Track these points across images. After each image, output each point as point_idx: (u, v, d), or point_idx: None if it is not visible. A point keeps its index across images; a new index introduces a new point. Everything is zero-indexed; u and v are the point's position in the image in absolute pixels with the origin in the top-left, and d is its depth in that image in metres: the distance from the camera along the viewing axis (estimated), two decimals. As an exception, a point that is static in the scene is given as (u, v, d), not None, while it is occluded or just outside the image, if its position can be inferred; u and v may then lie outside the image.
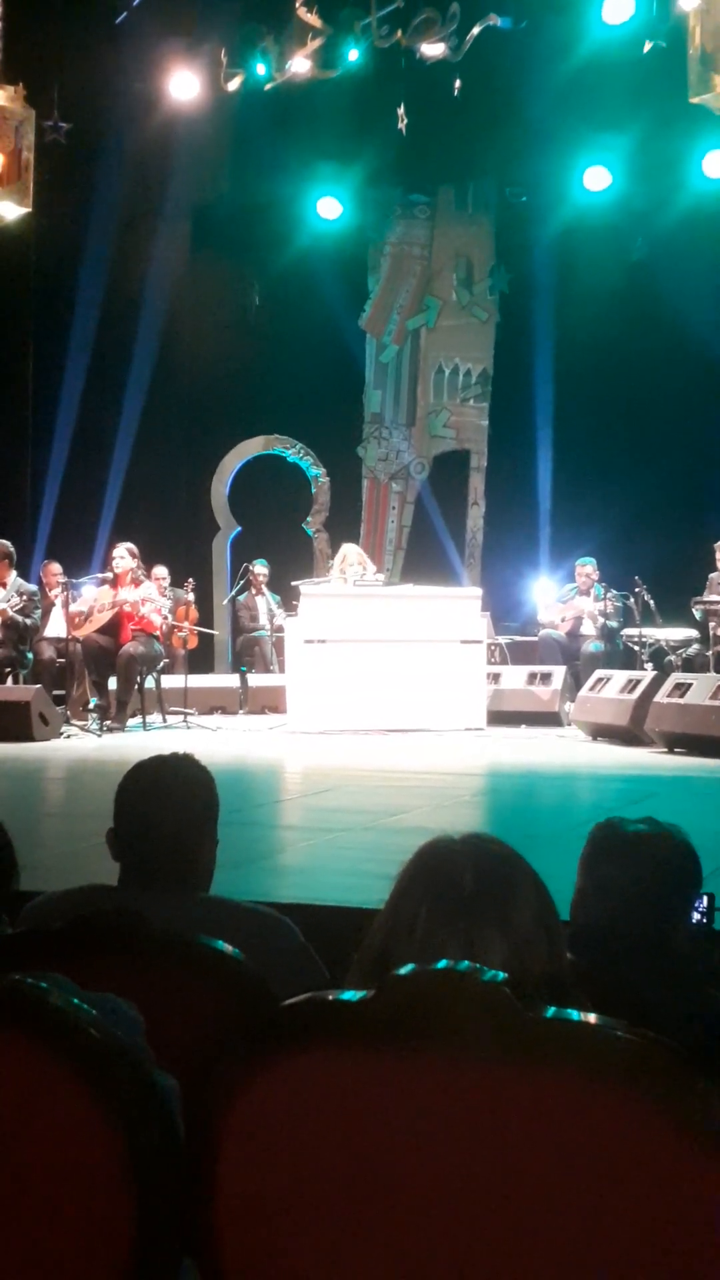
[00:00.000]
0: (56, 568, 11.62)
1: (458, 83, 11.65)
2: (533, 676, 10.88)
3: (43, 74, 11.49)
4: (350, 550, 11.13)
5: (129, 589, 10.21)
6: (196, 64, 12.31)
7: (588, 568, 11.65)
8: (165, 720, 10.46)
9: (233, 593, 12.86)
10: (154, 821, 2.43)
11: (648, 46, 10.49)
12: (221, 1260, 1.36)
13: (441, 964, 1.31)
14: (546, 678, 10.80)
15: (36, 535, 13.39)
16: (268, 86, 12.14)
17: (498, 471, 14.52)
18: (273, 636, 12.32)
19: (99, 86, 12.35)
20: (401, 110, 11.95)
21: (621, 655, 11.22)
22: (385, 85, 12.01)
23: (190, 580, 12.10)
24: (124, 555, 10.36)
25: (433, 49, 11.69)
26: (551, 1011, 1.26)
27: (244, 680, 11.75)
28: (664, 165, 12.75)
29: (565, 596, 11.82)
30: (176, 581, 12.17)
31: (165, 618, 10.80)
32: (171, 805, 2.45)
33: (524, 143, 13.19)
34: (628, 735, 9.09)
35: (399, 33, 11.72)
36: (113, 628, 10.16)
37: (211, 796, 2.55)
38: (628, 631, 11.22)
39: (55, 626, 11.03)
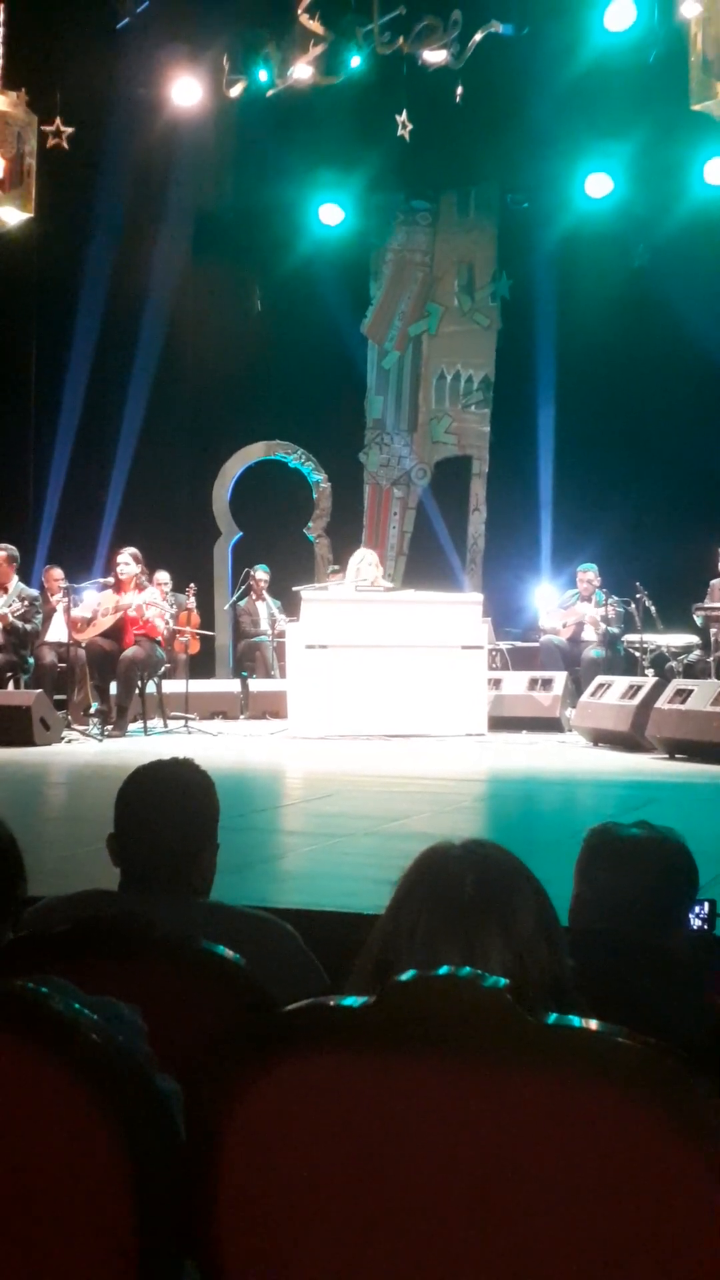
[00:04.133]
0: (58, 573, 11.62)
1: (459, 89, 11.69)
2: (534, 682, 10.87)
3: (45, 80, 11.51)
4: (368, 554, 11.14)
5: (132, 594, 10.23)
6: (199, 70, 12.33)
7: (589, 574, 11.64)
8: (166, 725, 10.47)
9: (234, 598, 12.87)
10: (154, 826, 2.43)
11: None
12: (222, 1264, 1.36)
13: (443, 970, 1.31)
14: (548, 683, 10.79)
15: (38, 540, 13.40)
16: (270, 93, 12.18)
17: (499, 477, 14.53)
18: (274, 641, 12.32)
19: (101, 92, 12.37)
20: (403, 117, 11.99)
21: (623, 661, 11.22)
22: (387, 92, 12.04)
23: (192, 585, 12.10)
24: (128, 561, 10.37)
25: (435, 56, 11.73)
26: (553, 1017, 1.26)
27: (245, 685, 11.76)
28: (665, 172, 12.77)
29: (566, 602, 11.81)
30: (178, 587, 12.17)
31: (168, 622, 10.81)
32: (172, 810, 2.45)
33: (526, 149, 13.22)
34: (629, 741, 9.08)
35: (401, 39, 11.75)
36: (115, 632, 10.17)
37: (212, 801, 2.55)
38: (629, 637, 11.22)
39: (56, 631, 11.03)
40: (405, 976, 1.31)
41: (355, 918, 3.43)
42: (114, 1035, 1.42)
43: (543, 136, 12.75)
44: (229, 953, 1.88)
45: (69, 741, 9.65)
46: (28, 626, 10.33)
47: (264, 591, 12.76)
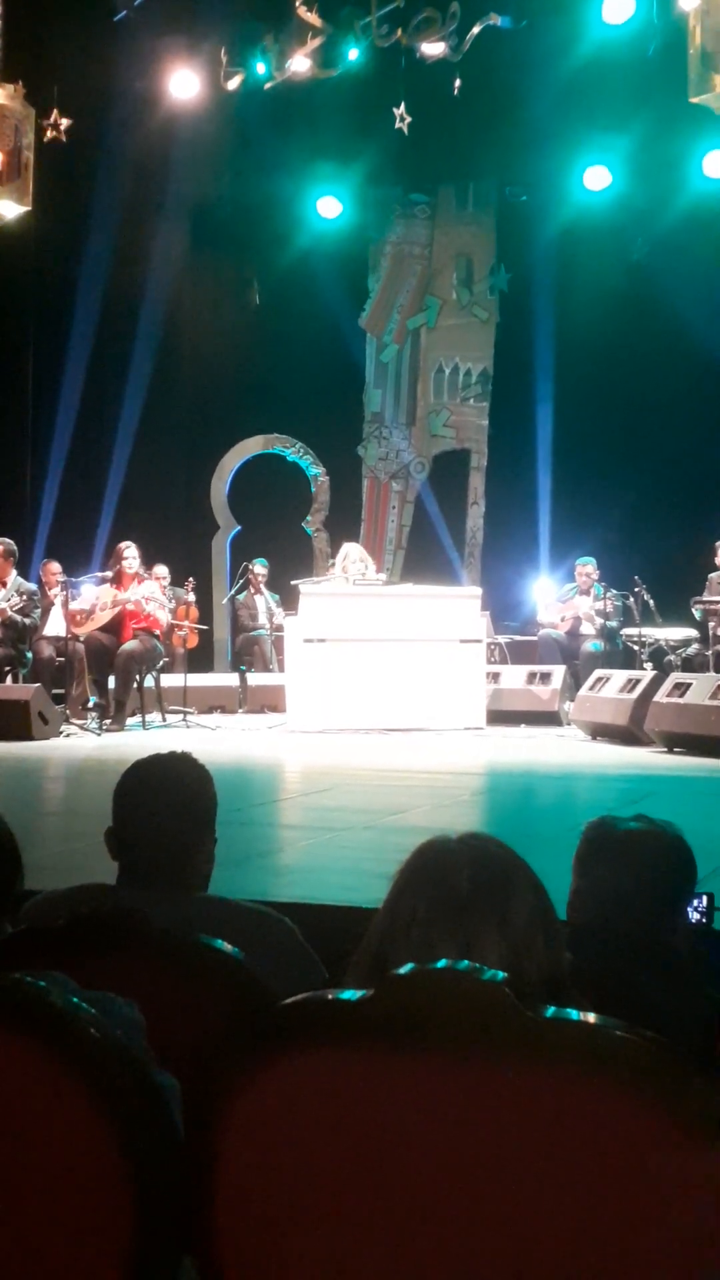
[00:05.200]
0: (56, 567, 11.62)
1: (458, 82, 11.64)
2: (532, 676, 10.88)
3: (42, 73, 11.49)
4: (352, 549, 11.15)
5: (133, 587, 10.24)
6: (196, 63, 12.31)
7: (587, 567, 11.64)
8: (165, 719, 10.47)
9: (232, 592, 12.86)
10: (152, 820, 2.43)
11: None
12: (220, 1259, 1.36)
13: (440, 963, 1.31)
14: (546, 677, 10.80)
15: (36, 534, 13.39)
16: (268, 85, 12.14)
17: (497, 471, 14.52)
18: (272, 635, 12.32)
19: (99, 85, 12.34)
20: (401, 109, 11.96)
21: (621, 655, 11.22)
22: (385, 84, 12.00)
23: (190, 580, 12.10)
24: (135, 555, 10.39)
25: (433, 48, 11.69)
26: (550, 1011, 1.26)
27: (243, 679, 11.76)
28: (664, 165, 12.75)
29: (565, 596, 11.81)
30: (177, 581, 12.17)
31: (168, 616, 10.81)
32: (169, 804, 2.45)
33: (524, 142, 13.19)
34: (627, 735, 9.09)
35: (399, 31, 11.71)
36: (114, 626, 10.17)
37: (209, 795, 2.55)
38: (627, 631, 11.21)
39: (55, 625, 11.03)
40: (403, 970, 1.31)
41: (354, 911, 3.43)
42: (112, 1030, 1.42)
43: (541, 129, 12.73)
44: (227, 947, 1.88)
45: (67, 736, 9.65)
46: (26, 621, 10.33)
47: (262, 585, 12.76)
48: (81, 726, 9.96)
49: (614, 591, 11.35)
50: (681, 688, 8.79)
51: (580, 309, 13.23)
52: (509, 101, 12.36)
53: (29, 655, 10.51)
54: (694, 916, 2.55)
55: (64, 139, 11.97)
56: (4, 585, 10.29)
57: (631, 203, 13.24)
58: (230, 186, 13.98)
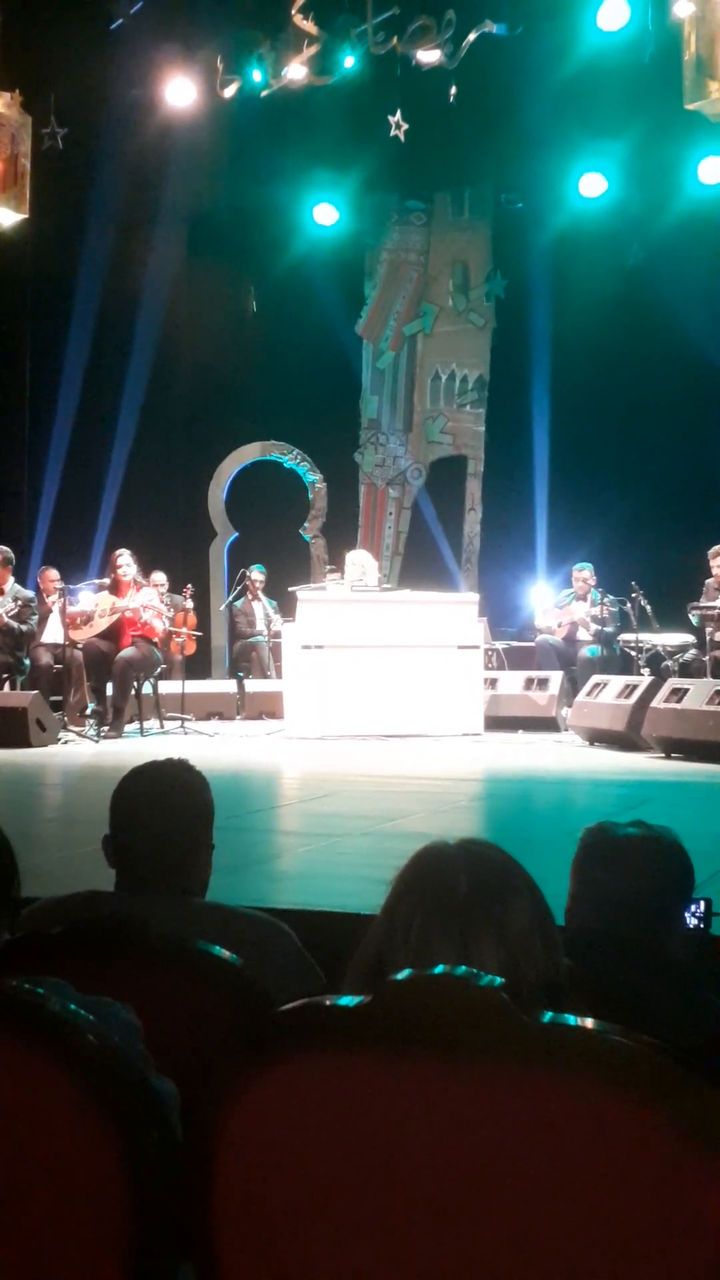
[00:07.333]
0: (54, 574, 11.61)
1: (453, 89, 11.69)
2: (530, 682, 10.88)
3: (39, 81, 11.52)
4: (356, 556, 11.14)
5: (131, 595, 10.23)
6: (193, 70, 12.33)
7: (584, 573, 11.64)
8: (163, 726, 10.46)
9: (230, 598, 12.87)
10: (149, 827, 2.43)
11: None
12: (219, 1264, 1.36)
13: (438, 969, 1.31)
14: (543, 683, 10.80)
15: (34, 541, 13.39)
16: (264, 93, 12.18)
17: (494, 477, 14.53)
18: (270, 642, 12.32)
19: (96, 93, 12.36)
20: (397, 117, 11.99)
21: (618, 660, 11.22)
22: (381, 92, 12.04)
23: (188, 586, 12.11)
24: (130, 562, 10.39)
25: (428, 55, 11.73)
26: (548, 1016, 1.26)
27: (241, 686, 11.76)
28: (660, 171, 12.77)
29: (562, 602, 11.81)
30: (174, 587, 12.17)
31: (165, 623, 10.81)
32: (167, 810, 2.45)
33: (520, 149, 13.21)
34: (625, 740, 9.09)
35: (395, 39, 11.75)
36: (113, 633, 10.17)
37: (207, 801, 2.54)
38: (624, 637, 11.21)
39: (52, 633, 11.03)
40: (401, 976, 1.32)
41: (352, 918, 3.42)
42: (110, 1036, 1.42)
43: (537, 136, 12.74)
44: (225, 953, 1.88)
45: (65, 743, 9.65)
46: (23, 628, 10.32)
47: (259, 592, 12.76)
48: (79, 734, 9.96)
49: (611, 597, 11.35)
50: (679, 693, 8.79)
51: (576, 315, 13.24)
52: (505, 108, 12.38)
53: (26, 662, 10.51)
54: (691, 922, 2.55)
55: (61, 147, 11.99)
56: (2, 592, 10.29)
57: (627, 209, 13.26)
58: (226, 194, 14.00)
